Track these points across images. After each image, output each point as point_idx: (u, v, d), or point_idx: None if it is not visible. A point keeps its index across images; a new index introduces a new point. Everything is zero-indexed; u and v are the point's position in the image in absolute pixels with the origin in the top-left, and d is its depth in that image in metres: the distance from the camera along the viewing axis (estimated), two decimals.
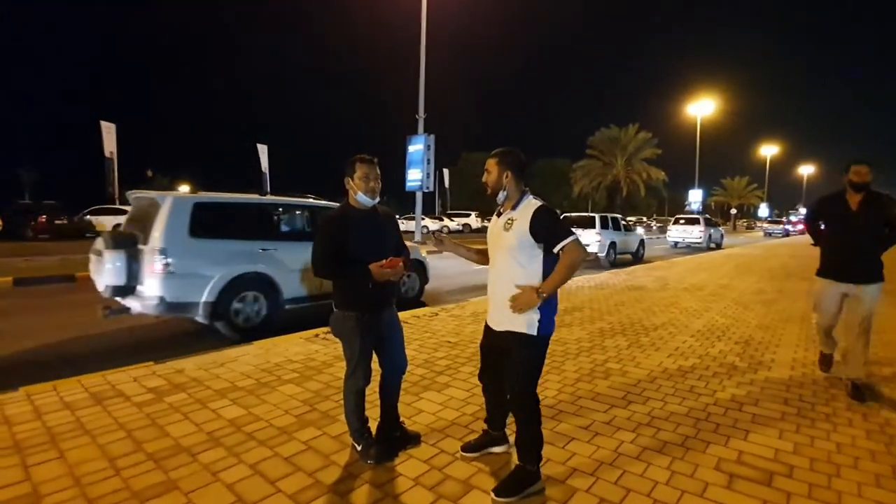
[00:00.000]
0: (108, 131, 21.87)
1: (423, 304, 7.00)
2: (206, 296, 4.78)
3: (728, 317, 6.11)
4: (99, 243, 4.83)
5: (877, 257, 3.30)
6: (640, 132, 36.86)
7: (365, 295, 2.34)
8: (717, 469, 2.38)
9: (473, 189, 54.37)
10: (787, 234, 37.94)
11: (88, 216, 19.25)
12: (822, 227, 3.63)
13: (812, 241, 3.77)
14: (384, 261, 2.26)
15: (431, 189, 18.24)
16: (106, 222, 18.73)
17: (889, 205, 3.27)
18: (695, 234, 20.52)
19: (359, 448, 2.43)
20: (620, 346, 4.64)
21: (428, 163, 17.65)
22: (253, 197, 5.69)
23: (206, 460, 2.39)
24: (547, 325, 2.10)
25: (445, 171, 42.24)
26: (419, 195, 18.38)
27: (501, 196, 2.16)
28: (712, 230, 21.61)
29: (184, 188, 41.19)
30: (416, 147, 17.75)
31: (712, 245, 21.23)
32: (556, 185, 60.53)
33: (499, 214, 2.22)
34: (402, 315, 5.88)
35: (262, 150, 27.17)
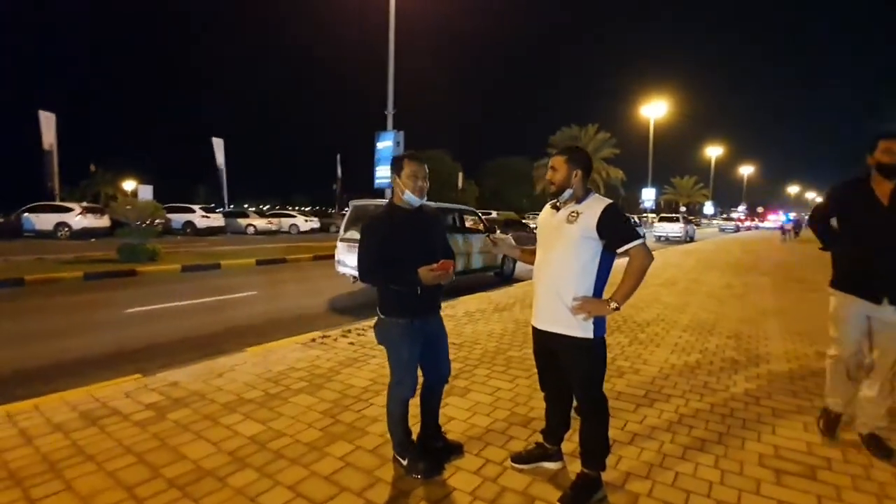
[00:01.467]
0: (48, 122, 20.14)
1: None
2: None
3: (709, 311, 6.35)
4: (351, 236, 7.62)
5: None
6: (598, 132, 38.02)
7: (414, 300, 2.20)
8: (761, 465, 2.41)
9: (434, 186, 54.27)
10: (737, 229, 41.85)
11: (26, 213, 17.66)
12: (836, 225, 2.75)
13: (821, 245, 2.86)
14: (435, 264, 2.13)
15: None
16: (48, 221, 17.24)
17: None
18: (676, 229, 24.81)
19: (404, 462, 2.28)
20: (623, 344, 4.69)
21: None
22: (445, 204, 8.76)
23: (237, 484, 2.17)
24: (601, 324, 2.05)
25: None
26: (389, 193, 18.05)
27: (567, 194, 2.07)
28: (689, 226, 26.25)
29: (129, 184, 38.70)
30: (385, 144, 17.42)
31: (688, 238, 24.55)
32: (515, 183, 61.31)
33: (556, 208, 2.14)
34: None
35: (218, 144, 25.93)
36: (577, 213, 2.01)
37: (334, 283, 9.25)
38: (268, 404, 3.09)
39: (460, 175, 47.72)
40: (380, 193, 19.25)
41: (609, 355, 4.27)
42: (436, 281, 2.13)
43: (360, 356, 4.14)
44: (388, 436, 2.50)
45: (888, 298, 2.41)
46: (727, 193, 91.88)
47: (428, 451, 2.38)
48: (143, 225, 11.25)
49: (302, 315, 6.29)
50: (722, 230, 44.46)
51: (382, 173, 17.76)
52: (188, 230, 21.85)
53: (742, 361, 4.16)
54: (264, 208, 46.02)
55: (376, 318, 2.31)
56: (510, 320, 5.64)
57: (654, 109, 38.04)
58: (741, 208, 78.24)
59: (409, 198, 2.20)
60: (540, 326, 2.15)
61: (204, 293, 7.68)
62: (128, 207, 11.48)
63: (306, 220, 28.54)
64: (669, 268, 11.49)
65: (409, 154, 2.24)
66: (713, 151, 57.37)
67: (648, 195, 43.11)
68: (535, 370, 3.89)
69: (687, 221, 27.33)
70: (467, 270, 8.31)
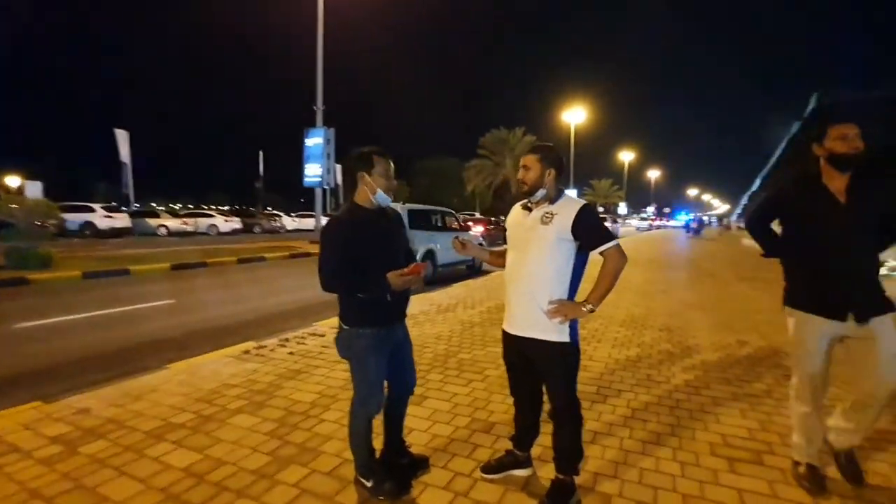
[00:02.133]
0: None
1: None
2: (419, 258, 7.60)
3: (640, 306, 6.71)
4: None
5: (878, 273, 2.13)
6: (526, 135, 39.40)
7: (383, 308, 2.02)
8: (714, 454, 2.52)
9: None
10: (650, 227, 46.37)
11: None
12: (781, 229, 2.32)
13: (763, 252, 2.43)
14: (405, 268, 1.97)
15: (332, 185, 17.40)
16: None
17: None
18: None
19: (369, 484, 2.10)
20: None
21: (328, 157, 16.78)
22: (427, 206, 10.47)
23: None
24: (575, 327, 2.01)
25: (337, 167, 40.62)
26: (318, 192, 17.38)
27: (540, 194, 2.00)
28: (614, 226, 29.49)
29: (12, 180, 33.93)
30: (315, 140, 16.76)
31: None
32: (445, 183, 61.79)
33: (527, 208, 2.08)
34: (333, 322, 5.49)
35: (122, 136, 23.47)
36: (552, 213, 1.95)
37: (263, 288, 8.69)
38: (202, 428, 2.74)
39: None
40: (309, 192, 18.45)
41: None
42: (406, 286, 1.98)
43: (303, 367, 3.85)
44: (347, 455, 2.32)
45: (853, 314, 2.02)
46: (638, 195, 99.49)
47: (392, 469, 2.21)
48: (34, 226, 9.83)
49: (230, 324, 5.79)
50: (638, 229, 48.59)
51: (312, 171, 17.11)
52: (87, 232, 19.53)
53: (677, 353, 4.41)
54: (177, 207, 42.45)
55: (338, 329, 2.11)
56: (455, 322, 5.57)
57: (574, 115, 40.32)
58: (650, 209, 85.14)
59: (382, 198, 2.03)
60: (514, 332, 2.06)
61: (111, 303, 6.83)
62: (13, 206, 9.97)
63: (226, 221, 26.72)
64: (593, 266, 12.06)
65: (378, 150, 2.05)
66: (626, 156, 61.82)
67: (571, 196, 45.64)
68: (489, 373, 3.90)
69: (613, 221, 30.41)
70: (447, 264, 10.14)
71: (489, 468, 2.28)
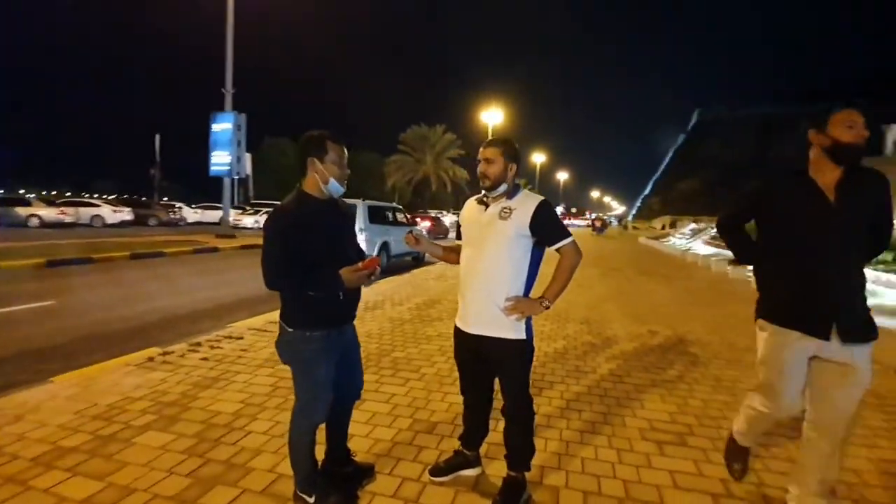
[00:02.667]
0: None
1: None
2: (375, 251, 9.73)
3: (561, 300, 7.02)
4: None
5: (865, 288, 1.84)
6: (446, 133, 39.81)
7: (334, 307, 1.86)
8: (645, 439, 2.67)
9: (279, 178, 50.52)
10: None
11: None
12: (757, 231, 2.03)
13: (736, 259, 2.20)
14: (360, 263, 1.83)
15: (243, 175, 16.23)
16: None
17: (880, 186, 1.80)
18: None
19: (311, 500, 1.92)
20: None
21: (238, 145, 15.60)
22: (382, 203, 11.41)
23: None
24: (530, 324, 2.00)
25: (248, 156, 37.98)
26: (227, 182, 16.09)
27: (501, 189, 1.96)
28: (415, 227, 29.46)
29: None
30: (223, 126, 15.48)
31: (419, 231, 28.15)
32: (364, 177, 60.57)
33: (482, 203, 2.02)
34: (250, 323, 5.08)
35: None
36: (510, 209, 1.91)
37: (164, 287, 7.84)
38: (102, 451, 2.36)
39: None
40: (216, 181, 17.09)
41: None
42: (360, 283, 1.83)
43: (220, 374, 3.49)
44: (281, 470, 2.14)
45: (837, 329, 1.74)
46: (549, 195, 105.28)
47: (335, 480, 2.06)
48: None
49: (126, 328, 5.12)
50: None
51: (220, 159, 15.82)
52: None
53: (598, 344, 4.67)
54: (53, 194, 37.02)
55: (280, 332, 1.90)
56: (384, 319, 5.43)
57: (492, 116, 41.58)
58: (559, 209, 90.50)
59: (335, 187, 1.86)
60: (469, 330, 2.00)
61: None
62: None
63: (115, 211, 23.71)
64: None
65: (331, 134, 1.86)
66: (538, 157, 65.02)
67: None
68: (425, 371, 3.83)
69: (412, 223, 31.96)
70: (398, 255, 11.02)
71: (438, 470, 2.21)
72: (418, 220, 18.25)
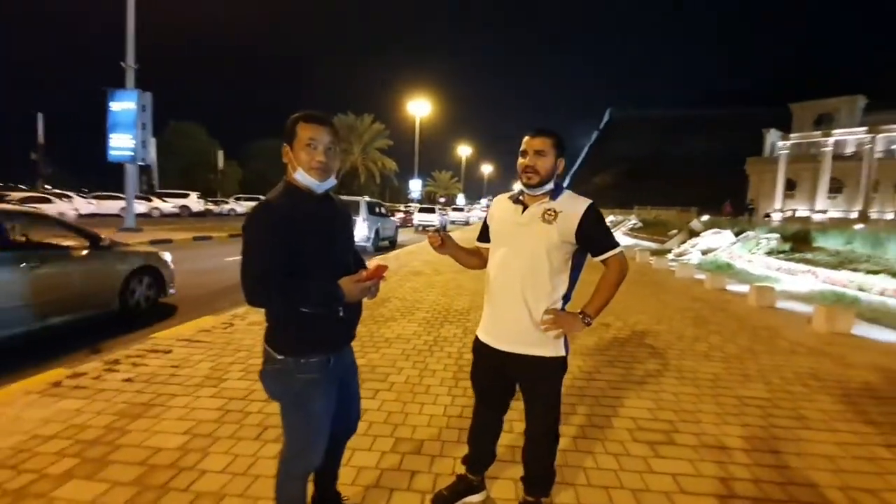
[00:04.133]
0: None
1: (164, 316, 5.42)
2: (372, 234, 13.22)
3: None
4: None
5: None
6: (374, 122, 38.77)
7: (333, 327, 1.53)
8: (636, 441, 2.63)
9: (185, 165, 46.31)
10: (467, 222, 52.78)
11: None
12: None
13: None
14: (363, 272, 1.51)
15: (149, 162, 14.56)
16: None
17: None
18: (432, 219, 27.75)
19: None
20: (458, 335, 4.69)
21: (143, 128, 13.93)
22: (374, 200, 15.63)
23: None
24: (567, 340, 1.76)
25: (153, 141, 34.17)
26: (130, 169, 14.30)
27: (548, 186, 1.71)
28: (443, 217, 29.77)
29: None
30: (124, 105, 13.71)
31: (442, 227, 27.08)
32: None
33: (519, 202, 1.76)
34: (178, 332, 4.43)
35: None
36: (555, 211, 1.67)
37: None
38: None
39: (220, 154, 41.87)
40: (113, 168, 15.19)
41: (453, 349, 4.22)
42: (363, 295, 1.52)
43: (152, 399, 2.95)
44: None
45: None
46: (474, 187, 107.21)
47: None
48: None
49: (9, 343, 4.23)
50: (479, 218, 53.26)
51: (120, 143, 14.03)
52: None
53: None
54: None
55: (266, 360, 1.54)
56: None
57: (420, 107, 41.19)
58: (483, 201, 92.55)
59: (304, 179, 1.49)
60: (500, 346, 1.76)
61: None
62: None
63: None
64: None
65: (305, 113, 1.50)
66: (464, 150, 65.85)
67: (415, 186, 46.79)
68: (393, 379, 3.50)
69: (442, 213, 31.59)
70: (382, 238, 14.41)
71: (442, 499, 1.97)
72: (393, 212, 22.50)
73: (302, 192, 1.51)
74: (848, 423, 2.98)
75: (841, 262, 8.77)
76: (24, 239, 4.68)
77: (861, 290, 7.13)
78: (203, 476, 2.15)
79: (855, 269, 7.85)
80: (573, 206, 1.69)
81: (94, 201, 26.56)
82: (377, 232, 13.79)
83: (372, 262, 1.62)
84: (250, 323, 4.81)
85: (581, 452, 2.48)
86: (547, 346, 1.71)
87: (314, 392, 1.51)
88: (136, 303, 5.23)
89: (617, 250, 1.72)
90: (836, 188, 47.79)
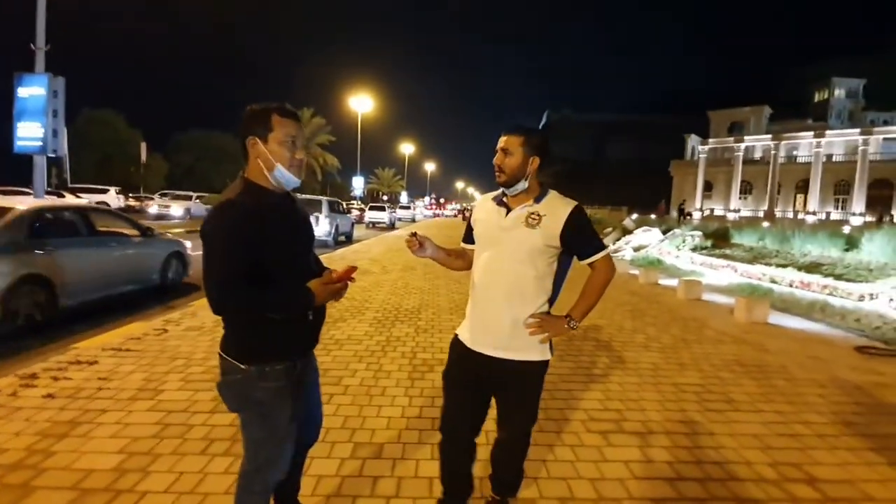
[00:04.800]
0: None
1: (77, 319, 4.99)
2: (332, 230, 14.49)
3: (457, 292, 7.08)
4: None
5: None
6: (315, 117, 37.56)
7: (299, 331, 1.46)
8: (589, 431, 2.74)
9: (102, 157, 42.61)
10: (435, 215, 52.32)
11: None
12: None
13: None
14: (333, 272, 1.47)
15: (61, 153, 13.23)
16: None
17: None
18: (382, 216, 28.23)
19: None
20: (410, 334, 4.66)
21: (55, 116, 12.62)
22: (334, 198, 18.18)
23: None
24: (551, 343, 1.73)
25: (63, 131, 30.88)
26: (40, 161, 12.88)
27: (520, 187, 1.66)
28: (392, 214, 30.01)
29: None
30: (33, 91, 12.32)
31: (391, 224, 28.52)
32: (215, 160, 54.40)
33: (501, 204, 1.71)
34: (103, 340, 4.06)
35: None
36: (539, 215, 1.63)
37: None
38: None
39: (143, 146, 38.81)
40: (16, 160, 13.68)
41: (406, 349, 4.19)
42: (332, 297, 1.47)
43: (78, 416, 2.68)
44: None
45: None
46: (417, 185, 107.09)
47: None
48: None
49: None
50: (425, 216, 53.38)
51: (29, 132, 12.62)
52: None
53: None
54: None
55: (224, 370, 1.44)
56: None
57: (362, 103, 40.44)
58: (427, 199, 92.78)
59: (283, 176, 1.42)
60: (483, 350, 1.70)
61: None
62: None
63: None
64: (389, 252, 12.24)
65: (278, 106, 1.42)
66: (407, 148, 65.56)
67: (358, 183, 45.94)
68: (347, 382, 3.43)
69: (391, 210, 31.60)
70: (340, 233, 15.53)
71: None
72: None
73: (265, 191, 1.43)
74: (770, 403, 3.28)
75: (755, 256, 9.64)
76: (104, 228, 5.91)
77: (773, 282, 7.88)
78: (144, 498, 1.98)
79: (767, 264, 8.65)
80: (557, 209, 1.65)
81: None
82: (336, 228, 14.86)
83: (331, 260, 1.57)
84: (186, 328, 4.50)
85: (540, 446, 2.54)
86: (533, 350, 1.68)
87: (280, 401, 1.43)
88: (171, 279, 6.59)
89: (603, 253, 1.70)
90: (746, 189, 52.68)
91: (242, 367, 1.40)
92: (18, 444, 2.35)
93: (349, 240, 16.46)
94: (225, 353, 1.44)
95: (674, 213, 33.49)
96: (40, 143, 12.80)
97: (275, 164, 1.41)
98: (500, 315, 1.67)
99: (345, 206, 18.75)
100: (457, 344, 1.81)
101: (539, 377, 1.73)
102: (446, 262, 1.92)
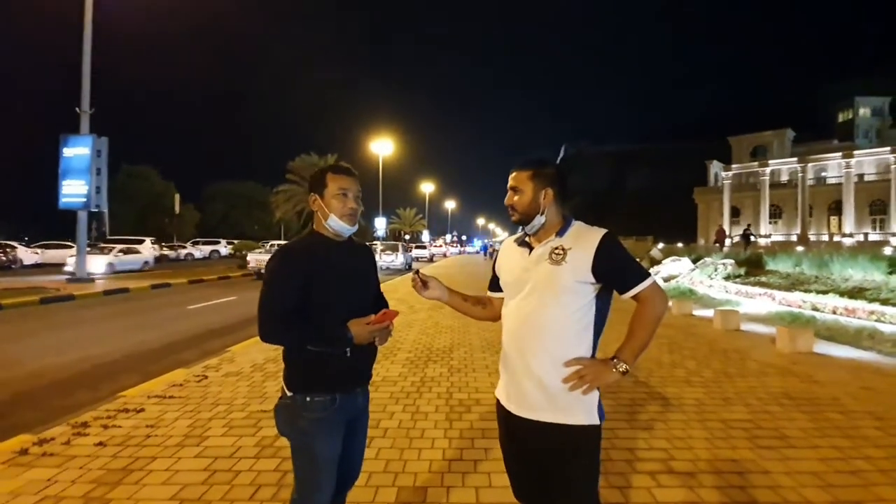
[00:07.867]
0: None
1: None
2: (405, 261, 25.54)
3: (488, 329, 7.02)
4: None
5: None
6: (338, 161, 38.89)
7: (341, 366, 1.56)
8: (637, 472, 2.66)
9: (140, 209, 44.87)
10: (460, 252, 51.38)
11: None
12: None
13: None
14: (372, 315, 1.56)
15: (104, 208, 14.03)
16: None
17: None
18: (397, 259, 25.35)
19: None
20: (444, 374, 4.65)
21: (98, 173, 13.49)
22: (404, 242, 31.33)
23: None
24: (600, 400, 1.45)
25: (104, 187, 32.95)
26: (83, 216, 13.69)
27: (537, 222, 1.50)
28: (406, 255, 27.89)
29: None
30: (78, 151, 13.28)
31: (407, 266, 27.07)
32: (246, 209, 56.84)
33: (524, 245, 1.56)
34: (147, 388, 4.19)
35: None
36: (563, 249, 1.44)
37: (7, 348, 6.24)
38: None
39: (176, 197, 40.75)
40: (52, 215, 14.55)
41: (442, 389, 4.17)
42: (370, 338, 1.57)
43: (129, 464, 2.76)
44: None
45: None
46: (438, 223, 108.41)
47: None
48: None
49: None
50: (443, 255, 53.96)
51: (74, 189, 13.52)
52: None
53: None
54: None
55: (281, 395, 1.60)
56: None
57: (383, 146, 41.89)
58: (449, 237, 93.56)
59: (337, 225, 1.61)
60: (519, 412, 1.46)
61: None
62: None
63: None
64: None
65: (333, 166, 1.67)
66: (427, 187, 66.88)
67: (380, 224, 46.88)
68: (384, 424, 3.43)
69: (406, 250, 28.70)
70: None
71: None
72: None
73: (325, 238, 1.63)
74: (826, 438, 3.13)
75: (793, 283, 9.34)
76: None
77: (815, 309, 7.59)
78: None
79: (807, 290, 8.36)
80: (584, 239, 1.45)
81: (39, 251, 25.09)
82: (408, 259, 23.38)
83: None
84: (225, 374, 4.60)
85: None
86: (576, 412, 1.40)
87: (319, 432, 1.53)
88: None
89: (648, 282, 1.44)
90: (775, 213, 51.39)
91: (289, 394, 1.56)
92: (76, 492, 2.43)
93: (409, 268, 22.31)
94: (283, 379, 1.60)
95: (728, 242, 30.64)
96: (84, 199, 13.64)
97: (329, 214, 1.60)
98: (531, 371, 1.44)
99: (410, 246, 29.64)
100: (498, 406, 1.58)
101: (587, 442, 1.40)
102: (462, 307, 1.76)
